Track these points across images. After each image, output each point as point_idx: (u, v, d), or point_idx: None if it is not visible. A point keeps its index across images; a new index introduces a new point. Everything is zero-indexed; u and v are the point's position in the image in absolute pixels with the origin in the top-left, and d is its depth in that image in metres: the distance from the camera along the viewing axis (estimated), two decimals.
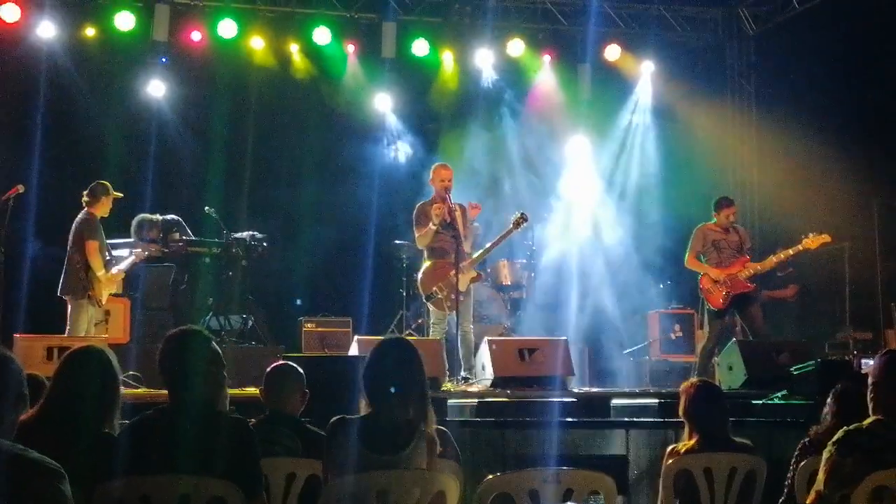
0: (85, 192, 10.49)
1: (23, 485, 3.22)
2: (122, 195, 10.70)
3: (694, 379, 5.90)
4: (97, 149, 13.90)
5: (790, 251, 10.96)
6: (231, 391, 5.26)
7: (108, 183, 10.56)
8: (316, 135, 14.84)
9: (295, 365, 5.73)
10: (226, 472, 4.09)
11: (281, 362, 5.92)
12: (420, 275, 10.84)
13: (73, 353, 4.62)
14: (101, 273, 10.27)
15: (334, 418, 4.51)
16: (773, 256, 11.12)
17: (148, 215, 12.14)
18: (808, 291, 13.90)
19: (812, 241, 10.86)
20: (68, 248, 10.40)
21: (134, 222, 12.05)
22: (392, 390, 4.45)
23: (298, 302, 14.04)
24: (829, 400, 5.46)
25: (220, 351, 4.50)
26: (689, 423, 5.50)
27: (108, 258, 10.51)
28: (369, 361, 4.59)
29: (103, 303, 10.41)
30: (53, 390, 4.49)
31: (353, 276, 13.31)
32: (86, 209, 10.44)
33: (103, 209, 10.48)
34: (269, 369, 5.70)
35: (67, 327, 10.24)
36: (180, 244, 12.14)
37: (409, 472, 4.36)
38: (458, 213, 10.58)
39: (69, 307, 10.30)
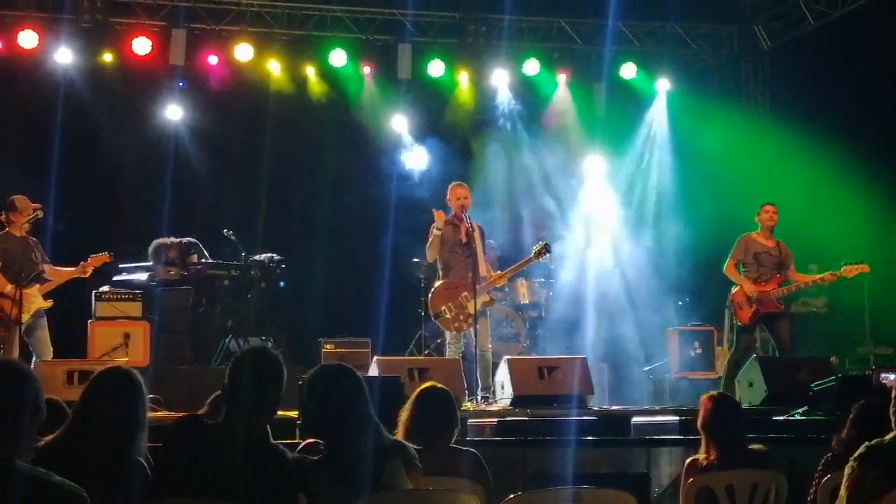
0: None
1: None
2: (40, 206, 10.40)
3: (713, 392, 5.87)
4: (115, 173, 14.02)
5: (827, 276, 10.85)
6: None
7: (20, 197, 10.34)
8: (333, 156, 14.89)
9: None
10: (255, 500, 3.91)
11: None
12: (431, 292, 10.76)
13: (100, 374, 4.44)
14: (8, 289, 9.93)
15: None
16: (808, 278, 11.05)
17: (165, 238, 12.17)
18: (828, 308, 13.83)
19: (850, 271, 10.72)
20: None
21: (151, 246, 12.09)
22: (342, 424, 4.29)
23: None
24: (850, 416, 5.43)
25: None
26: (707, 436, 5.50)
27: (21, 273, 10.01)
28: (306, 402, 4.33)
29: (23, 320, 10.00)
30: (79, 412, 4.28)
31: (372, 296, 13.27)
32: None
33: (18, 226, 10.24)
34: None
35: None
36: (199, 267, 12.17)
37: (427, 492, 4.35)
38: (475, 234, 10.54)
39: None
